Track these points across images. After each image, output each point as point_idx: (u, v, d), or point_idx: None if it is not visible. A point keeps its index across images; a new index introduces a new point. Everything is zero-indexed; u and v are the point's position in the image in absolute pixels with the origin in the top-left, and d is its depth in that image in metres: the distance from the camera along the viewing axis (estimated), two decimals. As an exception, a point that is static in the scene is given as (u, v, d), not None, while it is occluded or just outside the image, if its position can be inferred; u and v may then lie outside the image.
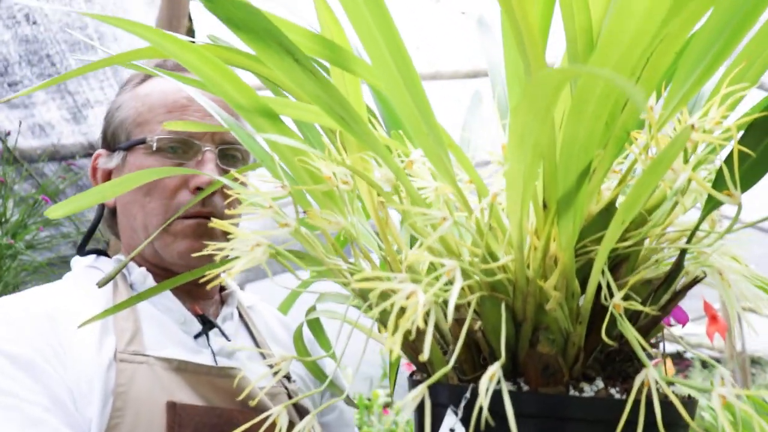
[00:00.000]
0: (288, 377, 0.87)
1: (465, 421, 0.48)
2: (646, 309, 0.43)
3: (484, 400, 0.39)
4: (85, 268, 0.86)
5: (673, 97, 0.46)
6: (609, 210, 0.49)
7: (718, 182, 0.47)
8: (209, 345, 0.82)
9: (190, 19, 2.43)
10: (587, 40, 0.43)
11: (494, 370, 0.40)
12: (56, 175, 2.90)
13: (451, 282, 0.37)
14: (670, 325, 1.07)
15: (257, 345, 0.90)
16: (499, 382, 0.49)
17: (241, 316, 0.93)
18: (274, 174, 0.56)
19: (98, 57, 0.55)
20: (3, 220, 2.32)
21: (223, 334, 0.85)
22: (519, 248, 0.42)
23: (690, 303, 0.61)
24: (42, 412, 0.64)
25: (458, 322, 0.51)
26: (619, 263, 0.54)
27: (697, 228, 0.50)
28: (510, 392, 0.48)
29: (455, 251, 0.47)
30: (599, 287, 0.47)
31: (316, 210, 0.53)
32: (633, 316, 0.52)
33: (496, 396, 0.47)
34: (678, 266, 0.50)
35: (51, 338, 0.70)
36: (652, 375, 0.43)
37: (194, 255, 0.62)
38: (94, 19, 2.93)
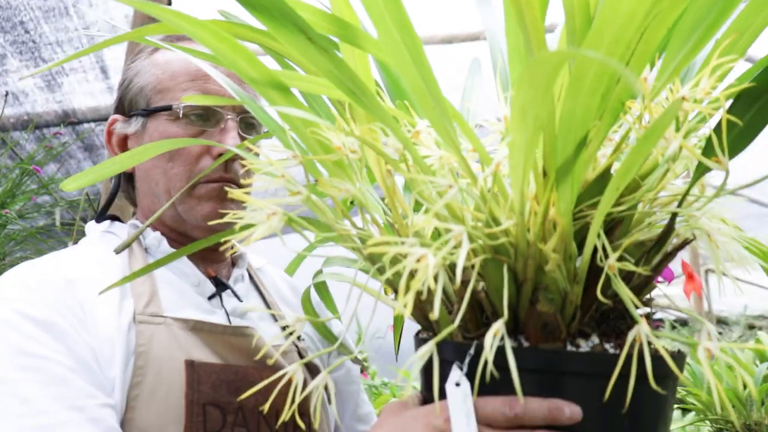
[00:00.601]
0: (298, 336, 0.92)
1: (470, 376, 0.52)
2: (639, 269, 0.47)
3: (489, 355, 0.43)
4: (101, 234, 0.89)
5: (666, 69, 0.50)
6: (605, 176, 0.52)
7: (708, 150, 0.51)
8: (223, 306, 0.86)
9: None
10: (585, 16, 0.46)
11: (498, 327, 0.44)
12: (40, 147, 2.90)
13: (457, 246, 0.41)
14: (659, 283, 1.12)
15: (267, 306, 0.94)
16: (502, 338, 0.53)
17: (251, 277, 0.97)
18: (286, 144, 0.59)
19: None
20: (-11, 190, 2.33)
21: (236, 295, 0.88)
22: (520, 213, 0.46)
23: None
24: (66, 372, 0.67)
25: (463, 283, 0.55)
26: (613, 226, 0.58)
27: (687, 192, 0.53)
28: (512, 348, 0.53)
29: (459, 216, 0.51)
30: (595, 249, 0.50)
31: (325, 178, 0.56)
32: (626, 276, 0.56)
33: (498, 352, 0.51)
34: (669, 229, 0.54)
35: (71, 302, 0.72)
36: (644, 330, 0.47)
37: (212, 222, 0.64)
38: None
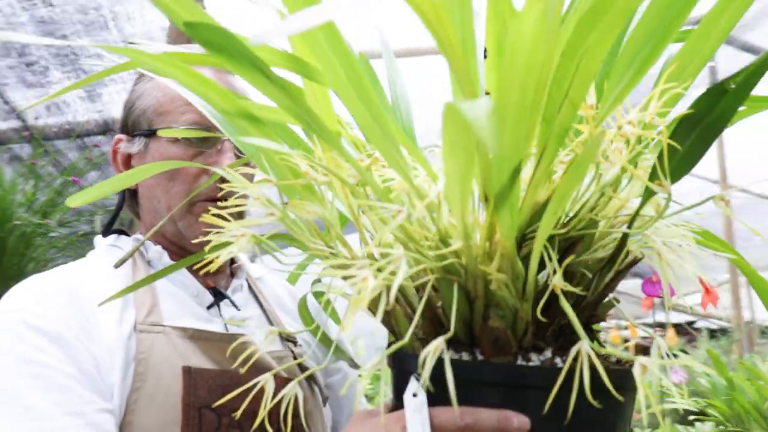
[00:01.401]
0: (294, 342, 0.97)
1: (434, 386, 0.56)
2: (577, 290, 0.50)
3: (426, 369, 0.47)
4: (107, 247, 0.95)
5: (609, 96, 0.53)
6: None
7: (653, 173, 0.54)
8: (220, 315, 0.91)
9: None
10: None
11: (437, 343, 0.48)
12: (82, 157, 3.03)
13: (395, 270, 0.45)
14: (659, 297, 1.15)
15: (265, 313, 0.99)
16: (458, 350, 0.57)
17: (250, 287, 1.02)
18: (262, 168, 0.64)
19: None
20: (33, 200, 2.46)
21: (233, 304, 0.94)
22: (464, 237, 0.50)
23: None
24: (67, 379, 0.73)
25: (421, 299, 0.59)
26: (573, 244, 0.61)
27: (637, 213, 0.56)
28: (466, 361, 0.56)
29: (415, 238, 0.55)
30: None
31: (296, 200, 0.61)
32: (582, 291, 0.59)
33: (454, 365, 0.55)
34: (619, 248, 0.57)
35: (75, 312, 0.78)
36: (585, 347, 0.50)
37: (198, 240, 0.69)
38: (108, 1, 3.02)
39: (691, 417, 1.56)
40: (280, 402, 0.61)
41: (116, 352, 0.78)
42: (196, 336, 0.84)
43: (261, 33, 0.29)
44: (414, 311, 0.64)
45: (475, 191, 0.52)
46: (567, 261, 0.51)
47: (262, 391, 0.62)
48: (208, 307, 0.92)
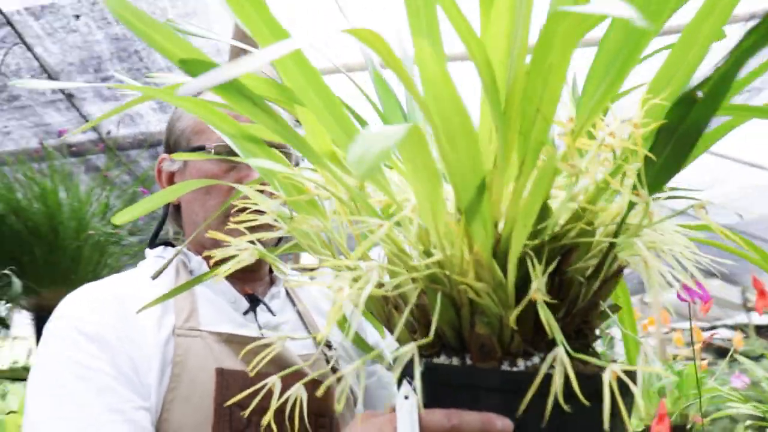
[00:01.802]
0: (329, 345, 1.01)
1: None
2: (547, 298, 0.52)
3: (396, 373, 0.50)
4: (154, 258, 1.03)
5: (584, 110, 0.54)
6: (543, 212, 0.58)
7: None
8: (256, 320, 0.97)
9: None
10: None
11: (408, 348, 0.51)
12: (152, 167, 3.19)
13: (365, 282, 0.48)
14: (693, 302, 1.14)
15: (301, 318, 1.04)
16: (451, 357, 0.60)
17: (288, 293, 1.08)
18: (273, 186, 0.69)
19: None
20: (106, 210, 2.62)
21: (269, 309, 1.00)
22: (441, 249, 0.53)
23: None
24: (110, 380, 0.81)
25: (418, 307, 0.62)
26: (568, 251, 0.62)
27: (622, 222, 0.58)
28: (455, 366, 0.59)
29: (402, 249, 0.58)
30: (559, 274, 0.56)
31: (300, 215, 0.65)
32: (574, 298, 0.61)
33: (444, 369, 0.58)
34: (606, 256, 0.58)
35: (120, 319, 0.86)
36: (561, 353, 0.52)
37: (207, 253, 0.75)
38: (180, 17, 3.18)
39: (752, 422, 1.52)
40: (306, 402, 0.65)
41: (154, 355, 0.85)
42: (231, 340, 0.90)
43: (197, 81, 0.33)
44: (414, 319, 0.67)
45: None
46: (548, 269, 0.54)
47: (285, 388, 0.67)
48: (245, 313, 0.97)
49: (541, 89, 0.50)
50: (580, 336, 0.63)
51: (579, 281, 0.60)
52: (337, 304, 0.49)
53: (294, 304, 1.07)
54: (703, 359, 2.31)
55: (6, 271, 2.04)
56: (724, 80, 0.48)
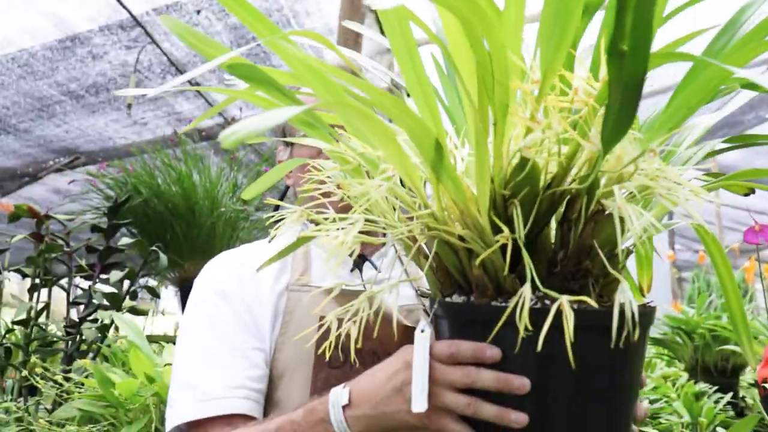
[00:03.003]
0: (424, 296, 1.14)
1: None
2: (513, 235, 0.61)
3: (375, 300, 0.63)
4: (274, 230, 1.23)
5: (542, 73, 0.63)
6: (522, 165, 0.67)
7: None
8: (361, 275, 1.13)
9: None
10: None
11: (390, 284, 0.63)
12: (275, 146, 3.46)
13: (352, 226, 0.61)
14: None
15: (407, 274, 1.18)
16: (459, 295, 0.71)
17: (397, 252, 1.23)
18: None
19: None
20: (235, 189, 2.91)
21: (374, 266, 1.15)
22: (424, 204, 0.64)
23: None
24: (232, 327, 1.02)
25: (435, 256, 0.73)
26: (572, 199, 0.71)
27: (595, 170, 0.65)
28: (459, 303, 0.70)
29: (410, 203, 0.70)
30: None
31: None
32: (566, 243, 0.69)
33: (455, 306, 0.70)
34: (583, 204, 0.66)
35: (242, 277, 1.06)
36: (527, 290, 0.61)
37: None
38: (288, 1, 3.39)
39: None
40: (395, 343, 0.82)
41: (269, 307, 1.05)
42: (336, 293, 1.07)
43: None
44: (437, 268, 0.78)
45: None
46: (533, 217, 0.63)
47: (381, 333, 0.82)
48: (351, 270, 1.13)
49: (489, 60, 0.60)
50: (578, 277, 0.71)
51: (568, 227, 0.68)
52: (337, 247, 0.62)
53: (403, 263, 1.21)
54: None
55: (153, 248, 2.34)
56: (638, 28, 0.53)
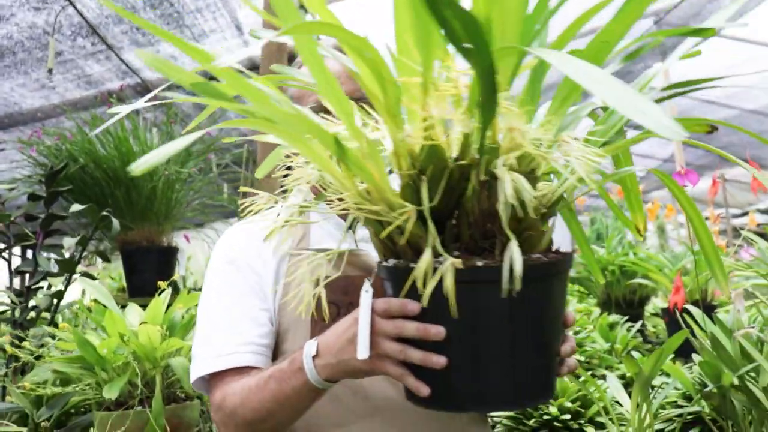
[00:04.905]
0: None
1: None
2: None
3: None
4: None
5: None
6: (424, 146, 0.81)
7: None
8: (354, 236, 1.21)
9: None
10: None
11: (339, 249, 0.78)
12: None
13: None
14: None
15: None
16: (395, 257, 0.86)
17: None
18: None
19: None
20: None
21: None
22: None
23: None
24: (241, 291, 1.16)
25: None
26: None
27: (483, 138, 0.80)
28: (390, 266, 0.85)
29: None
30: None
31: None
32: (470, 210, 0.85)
33: (388, 268, 0.85)
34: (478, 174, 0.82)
35: (249, 246, 1.20)
36: (427, 257, 0.77)
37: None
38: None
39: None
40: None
41: (272, 272, 1.19)
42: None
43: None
44: (376, 236, 0.92)
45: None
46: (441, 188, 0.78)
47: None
48: (346, 231, 1.25)
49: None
50: (489, 236, 0.85)
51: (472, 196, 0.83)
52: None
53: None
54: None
55: (104, 213, 2.38)
56: (466, 25, 0.64)
